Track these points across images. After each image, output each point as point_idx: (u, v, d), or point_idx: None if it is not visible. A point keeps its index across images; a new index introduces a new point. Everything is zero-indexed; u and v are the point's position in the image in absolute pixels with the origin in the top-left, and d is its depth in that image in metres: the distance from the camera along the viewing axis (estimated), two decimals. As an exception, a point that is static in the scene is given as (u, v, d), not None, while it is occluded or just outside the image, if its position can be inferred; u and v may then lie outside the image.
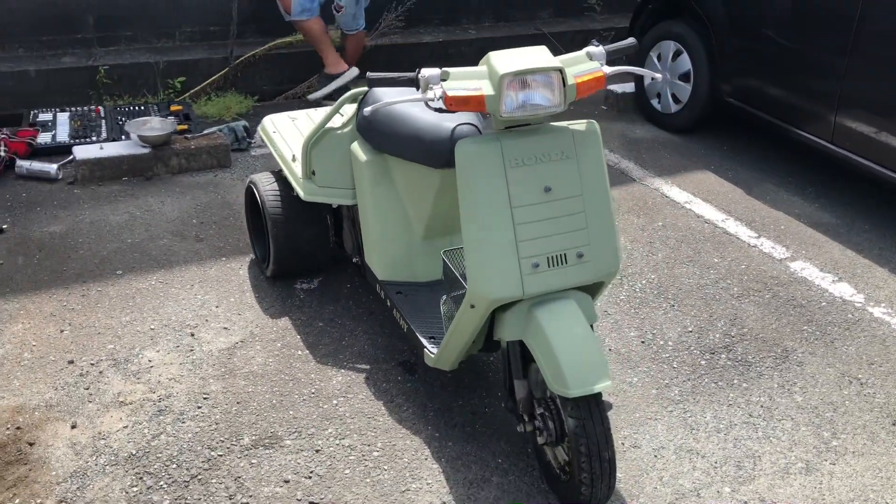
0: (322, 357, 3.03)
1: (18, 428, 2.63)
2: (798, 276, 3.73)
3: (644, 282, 3.62)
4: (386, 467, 2.55)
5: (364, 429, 2.70)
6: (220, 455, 2.57)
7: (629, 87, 5.67)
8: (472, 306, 2.30)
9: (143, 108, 4.96)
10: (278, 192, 3.29)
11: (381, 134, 2.81)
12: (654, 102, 5.41)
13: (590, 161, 2.35)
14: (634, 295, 3.52)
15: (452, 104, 2.19)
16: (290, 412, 2.76)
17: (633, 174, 4.69)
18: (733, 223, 4.18)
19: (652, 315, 3.38)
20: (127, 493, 2.41)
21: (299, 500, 2.42)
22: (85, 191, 4.16)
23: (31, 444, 2.57)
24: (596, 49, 2.35)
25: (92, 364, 2.93)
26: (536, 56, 2.22)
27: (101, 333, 3.10)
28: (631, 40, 2.48)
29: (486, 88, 2.18)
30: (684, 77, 5.13)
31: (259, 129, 3.58)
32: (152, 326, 3.15)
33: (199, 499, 2.40)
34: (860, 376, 3.07)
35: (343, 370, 2.96)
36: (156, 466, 2.51)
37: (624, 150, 5.02)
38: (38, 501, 2.36)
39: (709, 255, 3.86)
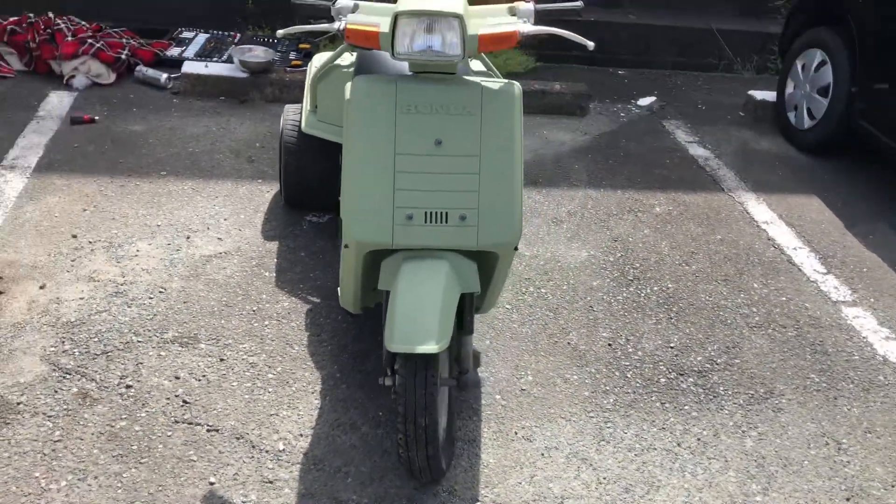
0: (283, 282, 3.12)
1: (1, 278, 2.99)
2: (845, 322, 3.24)
3: (656, 289, 3.33)
4: (270, 390, 2.60)
5: (276, 353, 2.76)
6: (139, 341, 2.76)
7: (770, 94, 5.15)
8: (346, 246, 2.27)
9: (274, 39, 5.30)
10: (297, 123, 3.41)
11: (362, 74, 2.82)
12: (791, 115, 4.88)
13: (497, 122, 2.21)
14: (635, 298, 3.25)
15: (351, 37, 2.16)
16: (222, 321, 2.88)
17: (725, 183, 4.28)
18: (805, 254, 3.70)
19: (638, 322, 3.11)
20: (44, 350, 2.67)
21: (176, 396, 2.54)
22: (182, 102, 4.55)
23: (2, 293, 2.91)
24: (524, 5, 2.20)
25: (90, 242, 3.24)
26: (445, 0, 2.13)
27: (114, 219, 3.41)
28: (577, 3, 2.28)
29: (383, 25, 2.12)
30: (823, 91, 4.58)
31: (308, 64, 3.71)
32: (159, 223, 3.41)
33: (95, 371, 2.61)
34: (844, 441, 2.64)
35: (294, 298, 3.04)
36: (81, 336, 2.75)
37: (731, 158, 4.59)
38: (-26, 338, 2.69)
39: (751, 279, 3.46)
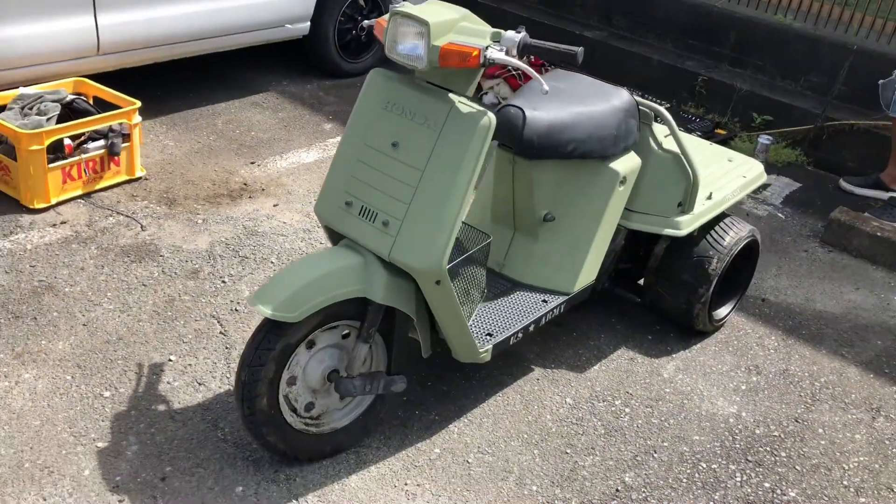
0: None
1: (263, 189, 3.82)
2: None
3: (766, 485, 2.50)
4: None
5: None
6: (273, 263, 3.27)
7: None
8: (320, 217, 2.42)
9: (685, 115, 5.18)
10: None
11: None
12: None
13: (454, 146, 2.11)
14: (721, 478, 2.50)
15: (375, 27, 2.28)
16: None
17: None
18: None
19: (683, 497, 2.41)
20: (219, 239, 3.37)
21: (237, 303, 3.00)
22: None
23: (250, 198, 3.74)
24: (509, 34, 2.02)
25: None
26: (438, 9, 2.10)
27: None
28: (576, 48, 1.96)
29: (389, 21, 2.19)
30: None
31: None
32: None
33: (222, 265, 3.21)
34: None
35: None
36: (248, 241, 3.38)
37: None
38: (197, 213, 3.55)
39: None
